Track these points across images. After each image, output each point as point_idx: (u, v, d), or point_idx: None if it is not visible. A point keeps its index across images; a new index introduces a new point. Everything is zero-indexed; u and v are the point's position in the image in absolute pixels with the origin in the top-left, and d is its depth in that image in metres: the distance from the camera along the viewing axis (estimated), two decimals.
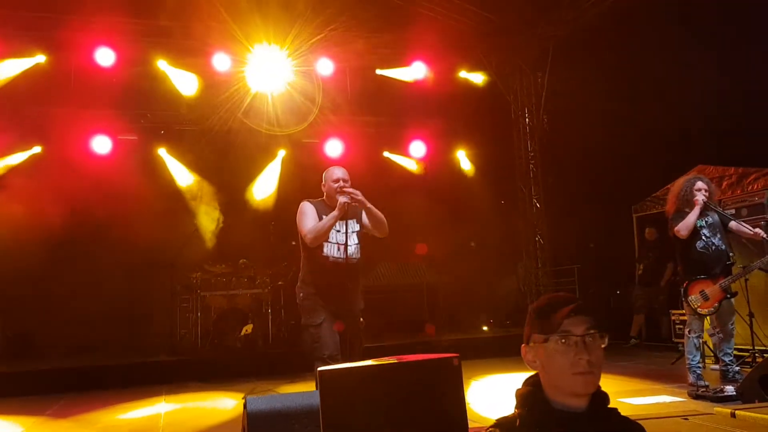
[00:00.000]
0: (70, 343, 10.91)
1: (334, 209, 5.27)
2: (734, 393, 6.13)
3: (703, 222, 6.97)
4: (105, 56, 11.08)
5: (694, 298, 6.89)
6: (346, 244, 5.34)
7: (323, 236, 5.29)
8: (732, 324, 7.01)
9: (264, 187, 12.71)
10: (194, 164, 12.32)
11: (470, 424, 3.47)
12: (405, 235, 11.14)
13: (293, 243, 6.71)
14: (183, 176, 12.26)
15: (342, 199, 5.22)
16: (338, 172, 5.44)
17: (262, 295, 11.24)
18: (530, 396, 2.09)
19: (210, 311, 11.11)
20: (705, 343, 7.61)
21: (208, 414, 7.29)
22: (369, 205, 5.37)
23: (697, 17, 9.94)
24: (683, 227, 6.89)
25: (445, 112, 13.52)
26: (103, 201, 10.70)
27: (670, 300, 10.50)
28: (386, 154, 13.62)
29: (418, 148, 13.38)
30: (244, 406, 4.28)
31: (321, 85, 12.10)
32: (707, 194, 6.99)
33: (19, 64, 10.89)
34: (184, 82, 11.74)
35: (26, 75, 10.94)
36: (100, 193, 10.72)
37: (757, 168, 9.48)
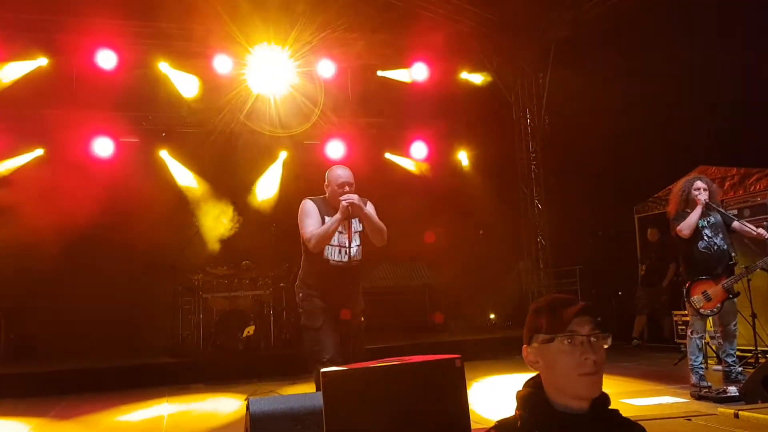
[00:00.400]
0: (73, 344, 10.91)
1: (336, 210, 5.16)
2: (737, 394, 6.13)
3: (705, 222, 6.96)
4: (106, 59, 11.09)
5: (696, 298, 6.88)
6: (347, 246, 5.24)
7: (326, 241, 5.20)
8: (735, 324, 7.00)
9: (266, 189, 12.71)
10: (196, 166, 12.32)
11: (472, 425, 3.48)
12: (406, 236, 11.13)
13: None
14: (185, 178, 12.25)
15: (345, 201, 5.09)
16: (343, 176, 5.28)
17: (263, 296, 11.24)
18: (531, 397, 2.08)
19: (212, 313, 11.10)
20: (707, 343, 7.60)
21: (210, 415, 7.29)
22: (368, 214, 5.25)
23: (698, 17, 9.92)
24: (685, 226, 6.87)
25: (446, 113, 13.52)
26: (105, 203, 10.68)
27: (673, 301, 10.49)
28: (388, 155, 13.61)
29: (419, 149, 13.37)
30: (247, 407, 4.29)
31: (322, 87, 12.10)
32: (707, 193, 6.98)
33: (21, 67, 10.92)
34: (186, 84, 11.76)
35: (28, 78, 10.96)
36: (101, 195, 10.70)
37: (760, 168, 9.47)
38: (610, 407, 2.07)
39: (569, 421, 2.00)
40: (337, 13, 11.12)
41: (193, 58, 11.64)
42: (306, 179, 11.22)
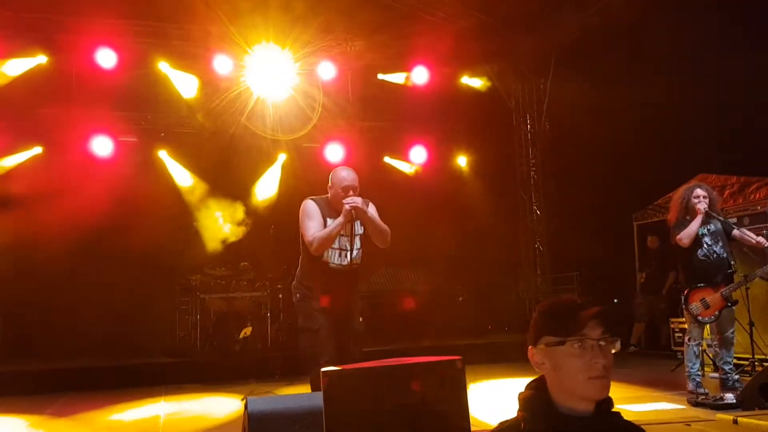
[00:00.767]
0: (70, 343, 10.88)
1: (338, 212, 5.10)
2: (734, 401, 6.13)
3: (705, 230, 6.96)
4: (106, 58, 11.07)
5: (694, 306, 6.88)
6: (348, 250, 5.21)
7: (329, 245, 5.15)
8: (732, 332, 6.99)
9: (264, 191, 12.70)
10: (194, 167, 12.30)
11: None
12: (404, 240, 11.11)
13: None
14: (183, 178, 12.24)
15: (348, 204, 5.04)
16: (348, 179, 5.21)
17: (261, 298, 11.24)
18: (534, 399, 2.07)
19: (209, 314, 11.09)
20: (705, 351, 7.60)
21: (207, 415, 7.28)
22: (371, 217, 5.21)
23: (701, 24, 9.94)
24: (685, 236, 6.87)
25: (446, 117, 13.53)
26: (103, 202, 10.65)
27: (672, 308, 10.49)
28: (387, 159, 13.61)
29: (418, 154, 13.37)
30: (245, 406, 4.27)
31: (322, 89, 12.10)
32: (707, 201, 6.98)
33: (20, 65, 10.91)
34: (185, 85, 11.75)
35: (27, 75, 10.95)
36: (99, 195, 10.67)
37: (759, 177, 9.48)
38: (612, 410, 2.07)
39: (573, 424, 1.99)
40: (336, 15, 11.12)
41: (192, 58, 11.63)
42: (305, 182, 11.22)
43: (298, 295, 5.40)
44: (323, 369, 3.33)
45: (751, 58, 9.45)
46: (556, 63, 12.85)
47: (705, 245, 6.94)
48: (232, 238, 11.63)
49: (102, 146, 11.51)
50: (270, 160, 12.84)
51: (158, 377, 9.51)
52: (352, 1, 11.15)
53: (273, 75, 11.44)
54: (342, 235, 5.21)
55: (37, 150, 11.43)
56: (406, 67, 12.85)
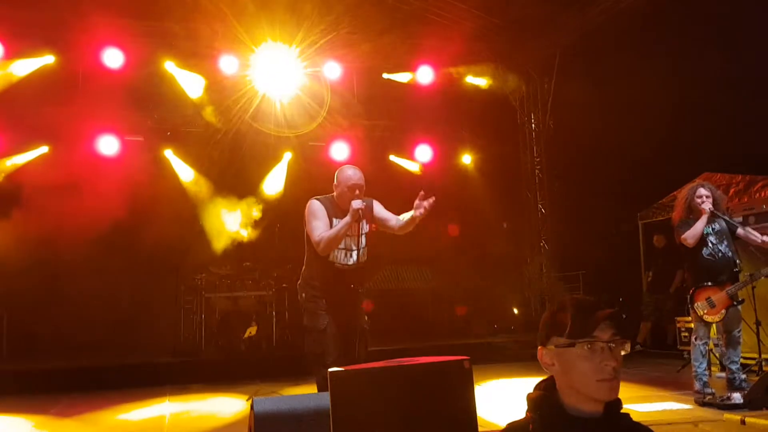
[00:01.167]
0: (74, 342, 10.92)
1: (345, 211, 5.10)
2: (741, 401, 6.10)
3: (710, 229, 6.95)
4: (113, 57, 11.12)
5: (700, 305, 6.86)
6: (354, 250, 5.21)
7: (336, 245, 5.13)
8: (739, 332, 6.98)
9: (270, 190, 12.70)
10: (200, 166, 12.32)
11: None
12: (409, 239, 11.12)
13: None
14: (189, 177, 12.26)
15: (356, 204, 5.04)
16: (354, 178, 5.19)
17: (266, 297, 11.24)
18: (543, 400, 2.06)
19: (214, 313, 11.10)
20: (711, 350, 7.57)
21: (213, 415, 7.28)
22: (414, 222, 5.29)
23: (705, 24, 9.93)
24: (690, 236, 6.86)
25: (451, 116, 13.53)
26: (109, 201, 10.68)
27: (679, 307, 10.45)
28: (392, 157, 13.61)
29: (423, 152, 13.37)
30: (251, 407, 4.28)
31: (328, 88, 12.10)
32: (711, 201, 6.96)
33: (28, 65, 10.95)
34: (191, 84, 11.77)
35: (35, 75, 11.00)
36: (106, 193, 10.70)
37: (764, 176, 9.44)
38: (621, 411, 2.06)
39: (582, 425, 1.98)
40: (342, 15, 11.11)
41: (199, 57, 11.65)
42: (310, 180, 11.23)
43: (303, 294, 5.38)
44: (330, 370, 3.32)
45: (756, 54, 9.44)
46: (561, 62, 12.85)
47: (710, 244, 6.93)
48: (238, 237, 11.64)
49: (108, 145, 11.54)
50: (276, 159, 12.85)
51: (163, 377, 9.50)
52: (359, 2, 11.14)
53: (279, 74, 11.43)
54: (348, 235, 5.19)
55: (44, 149, 11.47)
56: (412, 67, 12.85)
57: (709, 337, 7.08)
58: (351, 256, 5.25)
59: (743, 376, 6.97)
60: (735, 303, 6.80)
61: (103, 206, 10.56)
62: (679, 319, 10.11)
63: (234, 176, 12.21)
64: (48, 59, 11.04)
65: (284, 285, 11.22)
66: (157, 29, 11.27)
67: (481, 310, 13.13)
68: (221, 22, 10.80)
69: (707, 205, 6.88)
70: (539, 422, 2.02)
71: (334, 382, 3.30)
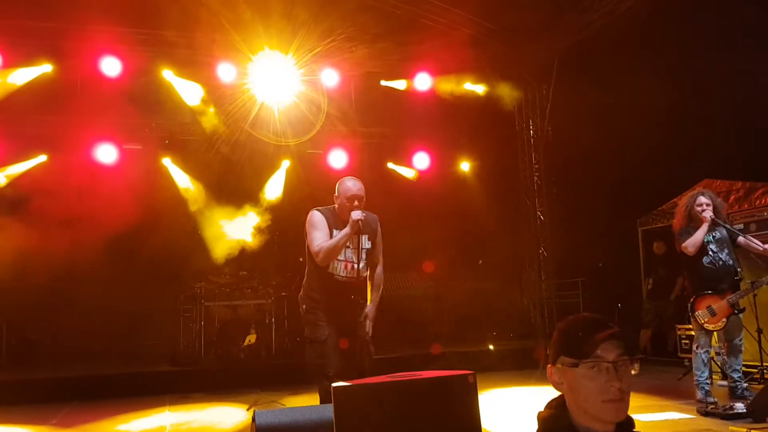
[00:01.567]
0: (73, 351, 10.90)
1: (345, 223, 5.09)
2: (744, 410, 6.08)
3: (711, 237, 6.94)
4: (111, 66, 11.11)
5: (701, 313, 6.85)
6: (355, 262, 5.19)
7: (335, 255, 5.13)
8: (740, 340, 6.97)
9: (268, 198, 12.68)
10: (199, 174, 12.30)
11: None
12: (407, 246, 11.12)
13: (300, 259, 6.45)
14: (187, 185, 12.24)
15: (355, 215, 5.03)
16: (353, 189, 5.19)
17: (265, 305, 11.21)
18: (554, 419, 2.05)
19: (213, 321, 11.08)
20: (713, 358, 7.55)
21: (213, 425, 7.23)
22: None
23: (705, 29, 9.93)
24: (691, 244, 6.86)
25: (448, 123, 13.54)
26: (108, 209, 10.67)
27: (679, 314, 10.42)
28: (390, 165, 13.60)
29: (421, 160, 13.36)
30: (253, 419, 4.25)
31: (326, 96, 12.09)
32: (711, 209, 6.95)
33: (26, 73, 10.94)
34: (189, 92, 11.76)
35: (33, 84, 10.99)
36: (104, 202, 10.71)
37: (764, 182, 9.43)
38: (634, 430, 2.04)
39: None
40: (339, 22, 11.11)
41: (196, 66, 11.65)
42: (309, 188, 11.22)
43: (304, 306, 5.39)
44: (334, 384, 3.30)
45: (756, 61, 9.43)
46: (559, 67, 12.85)
47: (710, 252, 6.92)
48: (236, 245, 11.60)
49: (107, 154, 11.54)
50: (274, 167, 12.84)
51: (162, 386, 9.46)
52: (355, 8, 11.14)
53: (276, 82, 11.42)
54: (348, 247, 5.20)
55: (43, 158, 11.46)
56: (409, 74, 12.84)
57: (710, 346, 7.06)
58: (352, 268, 5.23)
59: (745, 385, 6.97)
60: (736, 311, 6.79)
61: (101, 214, 10.55)
62: (679, 326, 10.08)
63: (232, 184, 12.20)
64: (46, 68, 11.03)
65: (283, 293, 11.21)
66: (155, 38, 11.26)
67: (480, 318, 13.10)
68: (218, 30, 10.79)
69: (708, 214, 6.88)
70: None
71: (338, 396, 3.28)
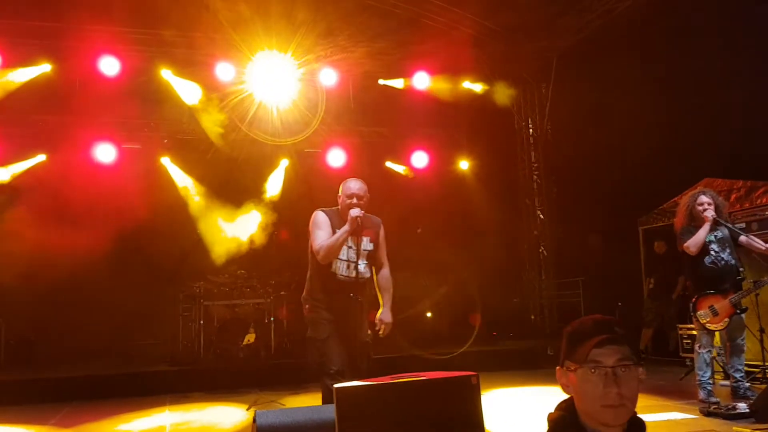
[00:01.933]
0: (73, 351, 10.88)
1: (346, 223, 5.16)
2: (747, 410, 6.06)
3: (713, 237, 6.92)
4: (109, 65, 11.07)
5: (702, 313, 6.83)
6: (356, 263, 5.24)
7: (335, 253, 5.20)
8: (742, 339, 6.95)
9: (267, 197, 12.65)
10: (197, 173, 12.28)
11: None
12: (407, 246, 11.09)
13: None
14: (186, 185, 12.22)
15: (353, 212, 5.10)
16: (353, 188, 5.31)
17: (264, 304, 11.19)
18: (563, 421, 2.04)
19: (213, 321, 11.06)
20: (715, 358, 7.53)
21: (213, 425, 7.22)
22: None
23: (703, 28, 9.91)
24: (692, 244, 6.83)
25: (447, 122, 13.51)
26: (106, 209, 10.67)
27: (681, 314, 10.40)
28: (388, 164, 13.57)
29: (420, 159, 13.33)
30: (254, 420, 4.24)
31: (324, 95, 12.06)
32: (712, 208, 6.92)
33: (25, 73, 10.91)
34: (188, 92, 11.72)
35: (32, 84, 10.96)
36: (103, 202, 10.70)
37: (765, 181, 9.41)
38: None
39: None
40: (338, 22, 11.10)
41: (195, 65, 11.62)
42: (308, 187, 11.20)
43: (307, 306, 5.46)
44: (336, 385, 3.28)
45: (756, 60, 9.42)
46: (558, 67, 12.82)
47: (712, 252, 6.90)
48: (235, 245, 11.58)
49: (105, 153, 11.51)
50: (272, 166, 12.82)
51: (162, 385, 9.46)
52: (354, 8, 11.13)
53: (275, 81, 11.39)
54: (349, 247, 5.26)
55: (42, 157, 11.43)
56: (407, 73, 12.80)
57: (712, 346, 7.05)
58: (353, 268, 5.28)
59: (747, 384, 6.95)
60: (738, 311, 6.76)
61: (100, 214, 10.54)
62: (681, 326, 10.06)
63: (231, 183, 12.17)
64: (45, 68, 10.99)
65: (282, 293, 11.19)
66: (154, 37, 11.22)
67: (480, 317, 13.06)
68: (217, 30, 10.76)
69: (710, 213, 6.85)
70: None
71: (341, 397, 3.26)
